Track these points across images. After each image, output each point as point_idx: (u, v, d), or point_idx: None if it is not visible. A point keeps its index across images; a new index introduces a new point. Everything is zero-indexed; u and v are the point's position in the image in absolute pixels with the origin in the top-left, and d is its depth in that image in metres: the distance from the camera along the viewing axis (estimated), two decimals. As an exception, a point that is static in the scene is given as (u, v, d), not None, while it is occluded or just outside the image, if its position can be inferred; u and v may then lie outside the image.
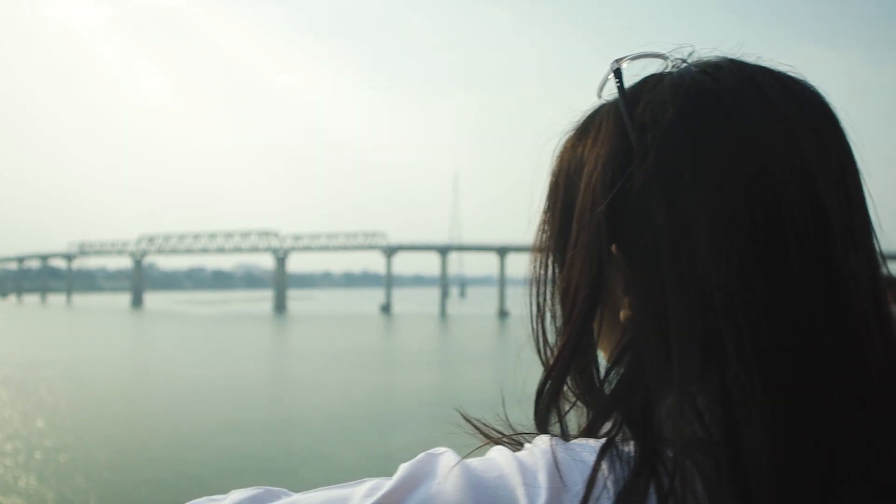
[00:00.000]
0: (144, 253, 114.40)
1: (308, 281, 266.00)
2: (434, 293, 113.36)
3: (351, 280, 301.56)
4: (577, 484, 0.58)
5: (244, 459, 17.10)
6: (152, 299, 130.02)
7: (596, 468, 0.59)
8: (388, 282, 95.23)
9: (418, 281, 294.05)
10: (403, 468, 0.63)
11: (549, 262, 0.75)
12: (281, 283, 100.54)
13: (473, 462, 0.65)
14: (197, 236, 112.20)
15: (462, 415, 0.83)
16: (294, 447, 18.63)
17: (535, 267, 0.77)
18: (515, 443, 0.73)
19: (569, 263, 0.71)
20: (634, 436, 0.62)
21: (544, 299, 0.78)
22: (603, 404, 0.68)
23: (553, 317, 0.78)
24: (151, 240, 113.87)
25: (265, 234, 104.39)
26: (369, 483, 0.62)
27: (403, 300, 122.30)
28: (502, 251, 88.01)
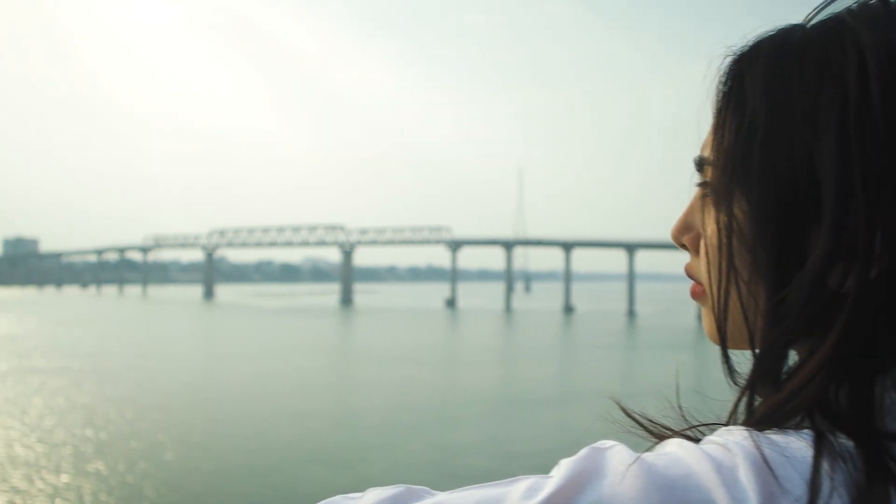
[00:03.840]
0: (215, 246, 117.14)
1: (374, 275, 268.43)
2: (499, 288, 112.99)
3: (416, 274, 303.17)
4: (797, 485, 0.50)
5: (307, 450, 17.38)
6: (223, 291, 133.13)
7: (817, 467, 0.50)
8: (453, 276, 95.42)
9: (483, 276, 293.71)
10: (566, 465, 0.54)
11: (757, 210, 0.60)
12: (347, 276, 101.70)
13: (651, 458, 0.53)
14: (266, 230, 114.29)
15: (619, 405, 0.72)
16: (357, 439, 18.84)
17: (734, 213, 0.61)
18: (688, 438, 0.60)
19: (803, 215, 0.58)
20: (849, 427, 0.53)
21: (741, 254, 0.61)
22: (813, 386, 0.56)
23: (755, 275, 0.61)
24: (222, 233, 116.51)
25: (332, 228, 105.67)
26: (525, 482, 0.54)
27: (468, 295, 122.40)
28: (567, 246, 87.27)
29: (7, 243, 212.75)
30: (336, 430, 20.03)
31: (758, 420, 0.58)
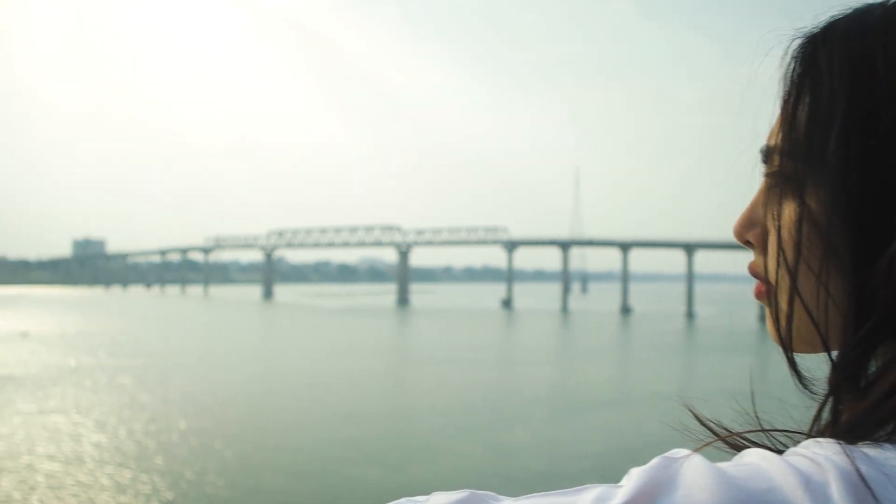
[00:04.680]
0: (274, 247, 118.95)
1: (430, 275, 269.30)
2: (555, 289, 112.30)
3: (472, 275, 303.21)
4: None
5: (363, 450, 17.51)
6: (281, 291, 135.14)
7: None
8: (509, 277, 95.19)
9: (539, 276, 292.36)
10: (637, 475, 0.50)
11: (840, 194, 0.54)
12: (403, 276, 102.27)
13: (729, 469, 0.48)
14: (323, 231, 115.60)
15: (692, 411, 0.68)
16: (413, 440, 18.92)
17: (807, 204, 0.57)
18: (768, 448, 0.54)
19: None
20: None
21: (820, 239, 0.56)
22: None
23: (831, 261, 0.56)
24: (281, 234, 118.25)
25: (388, 228, 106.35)
26: (593, 491, 0.51)
27: (524, 295, 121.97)
28: (625, 246, 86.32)
29: (76, 244, 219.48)
30: (392, 430, 20.15)
31: (844, 430, 0.52)
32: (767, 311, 0.62)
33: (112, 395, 24.47)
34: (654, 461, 0.51)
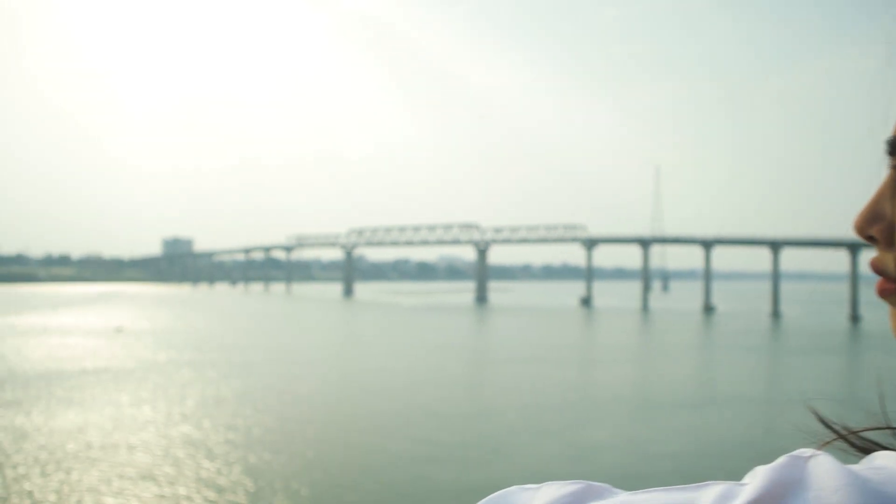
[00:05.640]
0: (354, 245, 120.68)
1: (508, 273, 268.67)
2: (635, 287, 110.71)
3: (550, 273, 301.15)
4: None
5: (443, 446, 17.63)
6: (361, 289, 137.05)
7: None
8: (589, 275, 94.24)
9: (619, 274, 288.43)
10: (763, 473, 0.47)
11: None
12: (482, 274, 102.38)
13: (862, 471, 0.46)
14: (402, 229, 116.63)
15: (817, 415, 0.65)
16: (492, 437, 18.96)
17: None
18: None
19: None
20: None
21: None
22: None
23: None
24: (360, 233, 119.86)
25: (467, 226, 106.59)
26: (715, 488, 0.49)
27: (604, 294, 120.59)
28: (707, 244, 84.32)
29: (166, 243, 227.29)
30: (470, 429, 20.23)
31: None
32: (891, 309, 0.61)
33: (199, 388, 25.28)
34: (781, 459, 0.49)
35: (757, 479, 0.48)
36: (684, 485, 0.51)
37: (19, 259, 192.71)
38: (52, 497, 13.36)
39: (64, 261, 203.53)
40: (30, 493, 13.50)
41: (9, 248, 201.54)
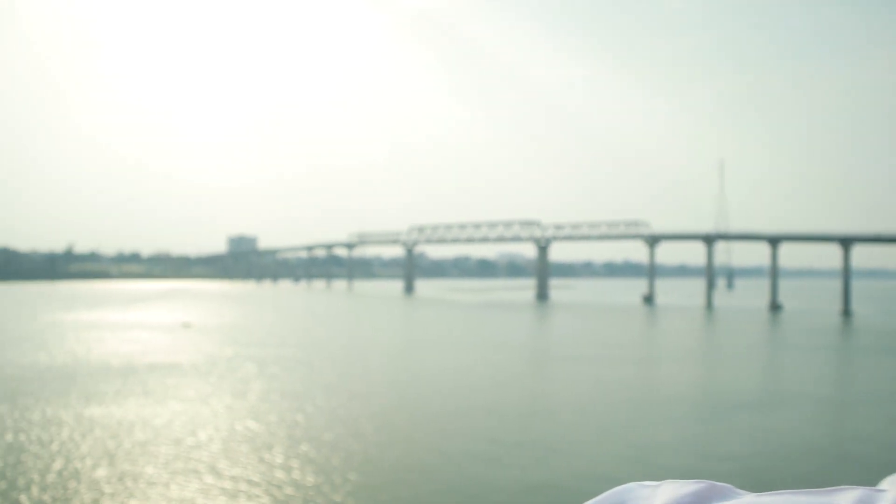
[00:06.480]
0: (415, 242, 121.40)
1: (569, 270, 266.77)
2: (699, 284, 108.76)
3: (612, 270, 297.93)
4: None
5: (501, 447, 17.59)
6: (422, 286, 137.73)
7: None
8: (651, 272, 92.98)
9: (682, 271, 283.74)
10: None
11: None
12: (542, 271, 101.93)
13: None
14: (462, 226, 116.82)
15: None
16: (551, 437, 18.84)
17: None
18: None
19: None
20: None
21: None
22: None
23: None
24: (421, 230, 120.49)
25: (527, 223, 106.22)
26: (851, 493, 0.46)
27: (667, 291, 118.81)
28: (774, 240, 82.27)
29: (231, 241, 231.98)
30: (531, 427, 20.14)
31: None
32: None
33: (262, 383, 25.73)
34: None
35: None
36: (815, 488, 0.49)
37: (93, 257, 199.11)
38: (117, 486, 13.76)
39: (134, 258, 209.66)
40: (95, 482, 13.93)
41: (83, 246, 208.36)
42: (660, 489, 0.56)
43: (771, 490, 0.51)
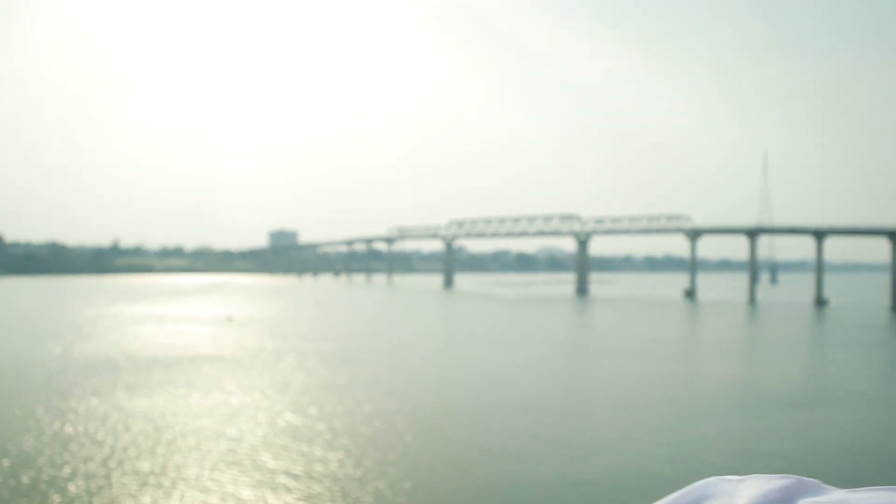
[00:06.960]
0: (454, 237, 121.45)
1: (609, 264, 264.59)
2: (742, 279, 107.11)
3: (653, 264, 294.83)
4: None
5: (540, 442, 17.52)
6: (461, 280, 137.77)
7: None
8: (692, 266, 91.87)
9: (724, 265, 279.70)
10: None
11: None
12: (582, 266, 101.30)
13: None
14: (502, 220, 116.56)
15: None
16: (591, 433, 18.72)
17: None
18: None
19: None
20: None
21: None
22: None
23: None
24: (460, 224, 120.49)
25: (567, 218, 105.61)
26: None
27: (708, 286, 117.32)
28: (819, 234, 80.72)
29: (272, 235, 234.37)
30: (570, 423, 20.04)
31: None
32: None
33: (303, 376, 25.96)
34: None
35: None
36: None
37: (138, 251, 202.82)
38: (160, 477, 13.99)
39: (178, 253, 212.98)
40: (138, 473, 14.18)
41: (128, 241, 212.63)
42: (744, 484, 0.54)
43: (862, 486, 0.50)
